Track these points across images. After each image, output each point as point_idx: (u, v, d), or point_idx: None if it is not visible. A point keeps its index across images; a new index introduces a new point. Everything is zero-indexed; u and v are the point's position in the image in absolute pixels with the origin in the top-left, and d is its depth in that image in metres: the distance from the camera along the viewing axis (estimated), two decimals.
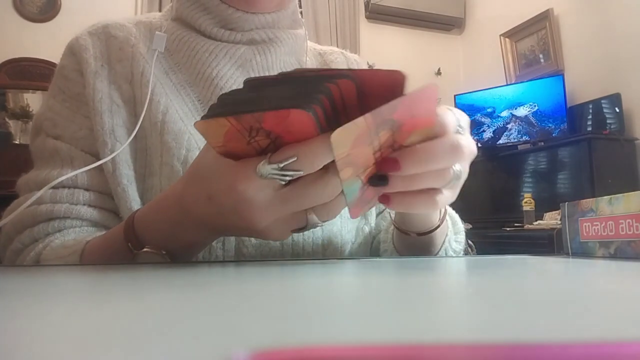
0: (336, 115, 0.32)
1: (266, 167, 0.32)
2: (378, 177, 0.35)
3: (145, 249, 0.41)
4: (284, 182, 0.33)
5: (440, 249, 0.54)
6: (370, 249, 0.65)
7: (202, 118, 0.31)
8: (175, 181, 0.43)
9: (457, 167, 0.36)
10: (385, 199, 0.37)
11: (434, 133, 0.34)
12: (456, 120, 0.36)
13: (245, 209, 0.34)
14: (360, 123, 0.28)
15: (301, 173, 0.32)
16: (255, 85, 0.33)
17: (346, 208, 0.36)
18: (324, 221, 0.37)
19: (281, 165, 0.32)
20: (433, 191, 0.37)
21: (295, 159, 0.32)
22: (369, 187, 0.35)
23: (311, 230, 0.55)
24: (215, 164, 0.35)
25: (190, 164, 0.40)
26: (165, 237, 0.41)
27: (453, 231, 0.57)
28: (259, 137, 0.31)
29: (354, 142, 0.29)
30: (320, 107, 0.30)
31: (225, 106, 0.31)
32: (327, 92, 0.30)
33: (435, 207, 0.38)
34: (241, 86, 0.61)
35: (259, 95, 0.31)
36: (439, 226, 0.51)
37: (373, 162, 0.33)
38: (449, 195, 0.38)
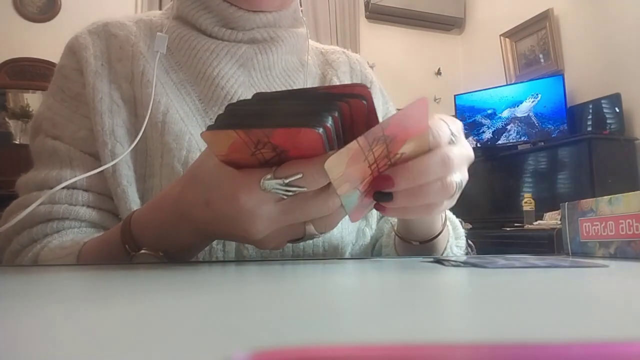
0: (344, 132, 0.32)
1: (271, 182, 0.32)
2: (382, 193, 0.35)
3: (142, 251, 0.41)
4: (285, 197, 0.33)
5: (442, 255, 0.54)
6: (372, 250, 0.65)
7: (209, 128, 0.30)
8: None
9: (457, 178, 0.36)
10: (380, 208, 0.37)
11: (427, 140, 0.35)
12: (448, 131, 0.37)
13: (245, 219, 0.34)
14: (353, 146, 0.29)
15: (304, 190, 0.32)
16: (265, 98, 0.33)
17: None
18: (321, 233, 0.37)
19: (286, 181, 0.32)
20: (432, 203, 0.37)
21: (300, 176, 0.32)
22: (367, 194, 0.36)
23: None
24: (216, 171, 0.34)
25: (189, 167, 0.39)
26: (162, 239, 0.41)
27: (454, 236, 0.57)
28: (264, 150, 0.31)
29: (348, 162, 0.30)
30: (331, 126, 0.30)
31: (234, 117, 0.31)
32: (339, 111, 0.30)
33: (429, 214, 0.38)
34: (242, 86, 0.61)
35: (269, 109, 0.31)
36: (440, 233, 0.51)
37: (370, 173, 0.34)
38: (446, 203, 0.38)
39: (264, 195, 0.33)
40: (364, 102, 0.31)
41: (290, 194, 0.33)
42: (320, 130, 0.29)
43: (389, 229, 0.62)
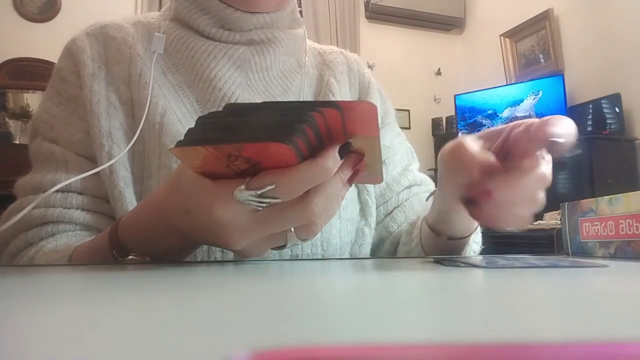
0: (320, 141, 0.32)
1: (244, 194, 0.32)
2: (471, 201, 0.38)
3: (130, 257, 0.41)
4: (260, 208, 0.33)
5: (465, 251, 0.54)
6: (376, 250, 0.65)
7: (178, 144, 0.30)
8: None
9: (542, 194, 0.39)
10: (476, 216, 0.41)
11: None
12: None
13: (222, 230, 0.33)
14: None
15: (279, 200, 0.32)
16: (236, 109, 0.33)
17: (335, 217, 0.37)
18: (303, 239, 0.36)
19: (259, 192, 0.31)
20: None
21: (273, 187, 0.31)
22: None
23: None
24: (193, 182, 0.34)
25: (172, 174, 0.39)
26: (149, 244, 0.41)
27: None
28: (238, 162, 0.31)
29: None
30: (303, 137, 0.30)
31: (204, 132, 0.31)
32: (312, 121, 0.30)
33: (519, 226, 0.41)
34: (239, 87, 0.60)
35: (240, 121, 0.31)
36: (473, 232, 0.51)
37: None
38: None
39: (238, 207, 0.32)
40: (339, 111, 0.31)
41: (264, 205, 0.32)
42: (289, 143, 0.29)
43: (408, 228, 0.61)
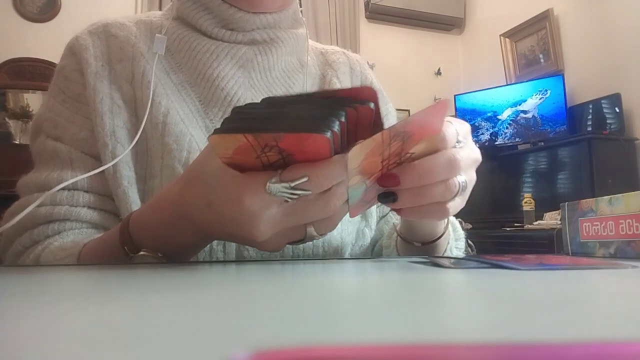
0: (347, 136, 0.33)
1: (277, 185, 0.32)
2: (386, 194, 0.36)
3: (141, 253, 0.41)
4: (290, 200, 0.33)
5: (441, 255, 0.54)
6: (372, 251, 0.65)
7: (216, 132, 0.30)
8: None
9: (461, 178, 0.37)
10: (398, 211, 0.39)
11: (436, 143, 0.36)
12: (455, 134, 0.37)
13: (249, 221, 0.34)
14: (377, 139, 0.29)
15: (309, 193, 0.33)
16: (273, 102, 0.33)
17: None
18: (321, 234, 0.37)
19: (292, 184, 0.32)
20: (442, 202, 0.38)
21: (306, 179, 0.32)
22: (371, 190, 0.36)
23: None
24: (219, 173, 0.34)
25: (189, 167, 0.39)
26: (161, 240, 0.41)
27: (454, 237, 0.57)
28: (270, 154, 0.31)
29: (367, 154, 0.30)
30: (338, 131, 0.30)
31: (241, 121, 0.31)
32: (346, 115, 0.31)
33: (445, 215, 0.39)
34: (242, 87, 0.60)
35: (278, 113, 0.31)
36: (442, 236, 0.51)
37: (380, 168, 0.34)
38: (458, 203, 0.39)
39: (268, 198, 0.33)
40: (372, 106, 0.32)
41: (295, 197, 0.33)
42: (329, 135, 0.29)
43: (390, 231, 0.62)
